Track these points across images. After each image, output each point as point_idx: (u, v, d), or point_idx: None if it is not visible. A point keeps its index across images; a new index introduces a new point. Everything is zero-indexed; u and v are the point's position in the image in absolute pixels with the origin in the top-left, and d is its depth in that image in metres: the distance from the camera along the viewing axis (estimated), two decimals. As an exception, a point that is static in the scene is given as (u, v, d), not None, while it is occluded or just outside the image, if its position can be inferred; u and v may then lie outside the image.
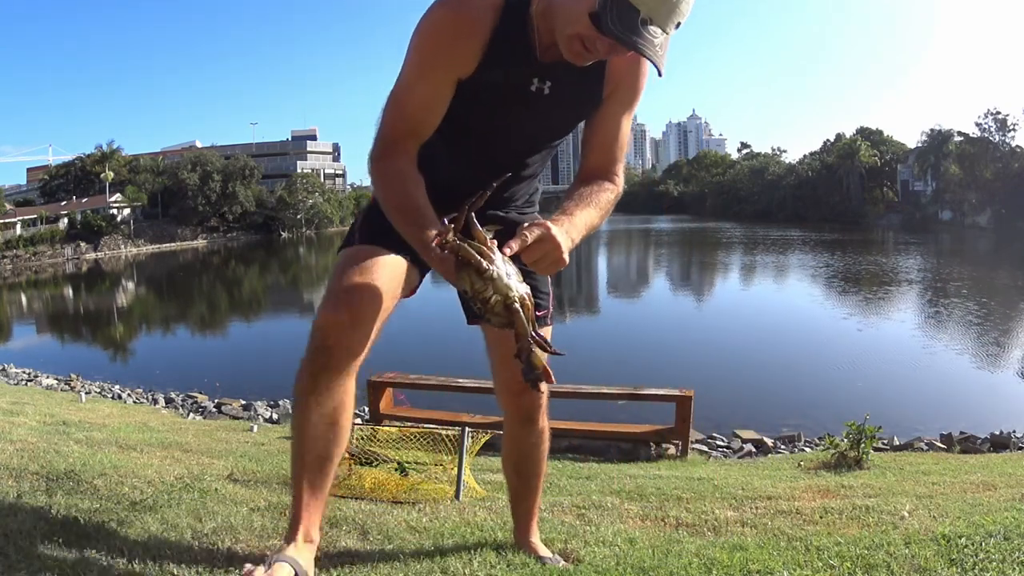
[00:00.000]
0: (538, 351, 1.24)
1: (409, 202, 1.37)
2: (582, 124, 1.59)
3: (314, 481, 1.44)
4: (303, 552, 1.44)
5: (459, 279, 1.20)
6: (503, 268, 1.20)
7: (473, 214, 1.22)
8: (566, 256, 1.29)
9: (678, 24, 1.28)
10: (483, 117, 1.49)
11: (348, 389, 1.42)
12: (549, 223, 1.29)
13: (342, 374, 1.39)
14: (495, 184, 1.28)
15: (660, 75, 1.30)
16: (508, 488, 1.89)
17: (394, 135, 1.42)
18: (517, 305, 1.20)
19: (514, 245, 1.22)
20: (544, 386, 1.69)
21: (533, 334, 1.22)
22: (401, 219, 1.37)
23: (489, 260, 1.19)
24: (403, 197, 1.38)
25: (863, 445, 4.73)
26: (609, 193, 1.52)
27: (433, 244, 1.21)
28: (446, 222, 1.20)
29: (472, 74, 1.39)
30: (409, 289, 1.54)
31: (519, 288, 1.21)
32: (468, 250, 1.18)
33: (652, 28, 1.24)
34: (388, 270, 1.45)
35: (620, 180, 1.57)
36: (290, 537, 1.45)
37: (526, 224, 1.27)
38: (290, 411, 8.22)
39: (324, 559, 1.76)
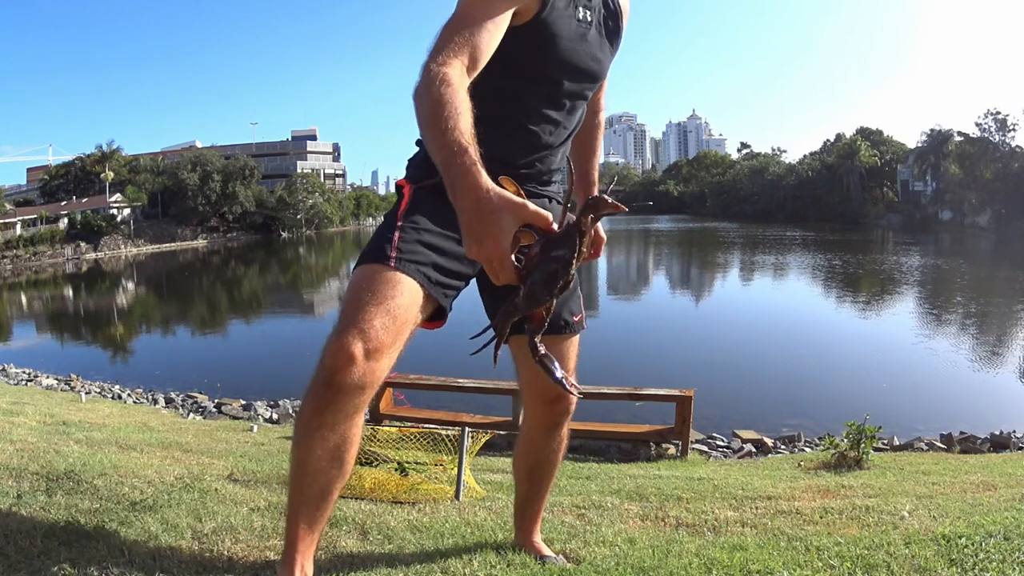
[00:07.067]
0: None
1: (456, 115, 1.11)
2: None
3: (312, 516, 1.37)
4: None
5: (570, 249, 1.06)
6: None
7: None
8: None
9: None
10: (543, 60, 1.43)
11: (356, 423, 1.32)
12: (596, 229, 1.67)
13: (350, 410, 1.28)
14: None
15: None
16: (517, 490, 1.88)
17: (455, 37, 1.24)
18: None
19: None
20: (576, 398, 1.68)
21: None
22: (438, 130, 1.11)
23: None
24: (452, 108, 1.12)
25: (863, 445, 4.73)
26: (601, 122, 1.85)
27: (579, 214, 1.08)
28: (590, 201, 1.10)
29: (548, 9, 1.38)
30: (424, 319, 1.40)
31: None
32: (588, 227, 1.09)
33: None
34: (407, 298, 1.33)
35: (606, 100, 1.81)
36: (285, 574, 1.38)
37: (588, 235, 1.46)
38: (291, 414, 8.26)
39: (324, 559, 1.76)
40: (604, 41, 1.53)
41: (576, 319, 1.67)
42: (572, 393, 1.17)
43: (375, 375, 1.27)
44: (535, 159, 1.54)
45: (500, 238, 1.02)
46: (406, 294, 1.32)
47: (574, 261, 1.06)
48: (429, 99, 1.14)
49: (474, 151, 1.07)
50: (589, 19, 1.47)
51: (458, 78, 1.18)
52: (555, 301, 1.10)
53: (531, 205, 1.04)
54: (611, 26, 1.55)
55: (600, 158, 1.90)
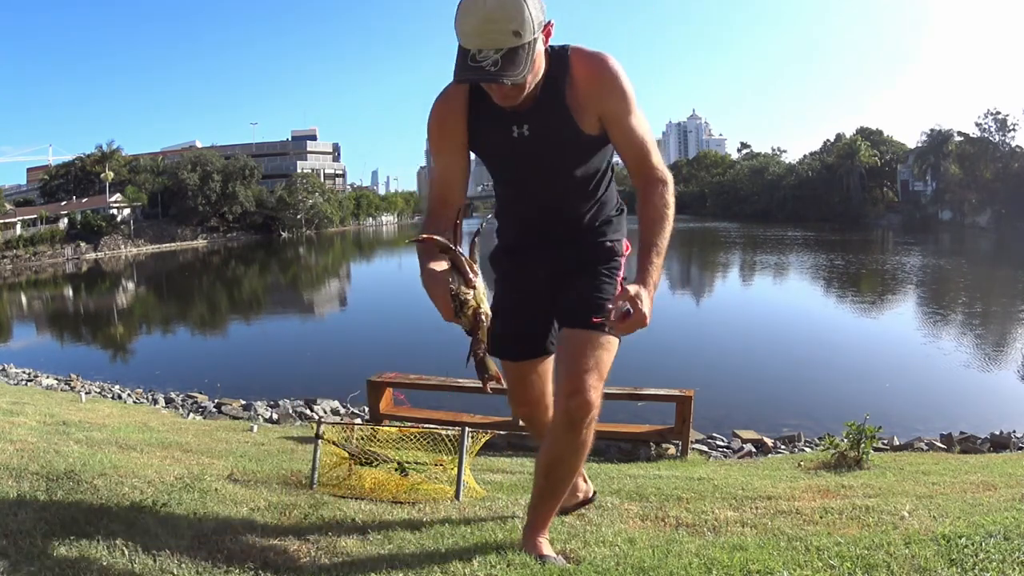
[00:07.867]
0: (490, 359, 1.60)
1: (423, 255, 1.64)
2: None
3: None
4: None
5: (449, 279, 1.49)
6: (482, 286, 1.50)
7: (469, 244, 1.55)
8: (648, 318, 1.54)
9: (516, 32, 1.44)
10: (503, 168, 1.85)
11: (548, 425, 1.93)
12: (636, 293, 1.53)
13: (542, 427, 1.99)
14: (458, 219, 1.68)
15: (505, 83, 1.48)
16: (534, 486, 1.91)
17: (430, 205, 1.81)
18: (484, 318, 1.50)
19: (611, 316, 1.52)
20: (597, 399, 1.75)
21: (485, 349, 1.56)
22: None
23: (475, 274, 1.50)
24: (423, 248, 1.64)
25: (863, 445, 4.72)
26: (660, 194, 1.71)
27: (423, 241, 1.56)
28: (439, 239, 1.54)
29: (474, 139, 1.76)
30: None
31: (487, 306, 1.52)
32: (462, 258, 1.49)
33: (480, 54, 1.45)
34: (540, 369, 1.96)
35: (661, 171, 1.74)
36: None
37: (620, 293, 1.56)
38: (291, 414, 8.28)
39: (324, 559, 1.76)
40: (558, 138, 1.70)
41: (600, 319, 1.69)
42: (485, 390, 1.61)
43: (544, 413, 2.00)
44: (537, 232, 1.91)
45: (443, 304, 1.51)
46: (532, 367, 1.97)
47: (450, 290, 1.48)
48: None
49: (430, 261, 1.57)
50: (527, 132, 1.69)
51: (430, 222, 1.74)
52: (482, 319, 1.50)
53: (436, 272, 1.53)
54: (556, 126, 1.67)
55: (659, 222, 1.69)
